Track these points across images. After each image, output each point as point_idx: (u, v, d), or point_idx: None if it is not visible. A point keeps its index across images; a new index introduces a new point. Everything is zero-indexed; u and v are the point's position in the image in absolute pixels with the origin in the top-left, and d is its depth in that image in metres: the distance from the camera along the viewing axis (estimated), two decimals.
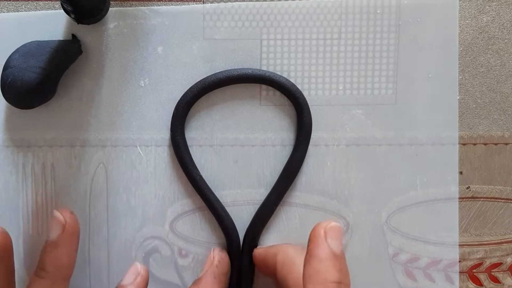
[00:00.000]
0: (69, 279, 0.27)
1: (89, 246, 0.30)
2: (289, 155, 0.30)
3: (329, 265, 0.22)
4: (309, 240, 0.23)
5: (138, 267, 0.28)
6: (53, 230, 0.27)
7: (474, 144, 0.30)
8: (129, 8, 0.30)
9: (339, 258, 0.22)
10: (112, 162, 0.30)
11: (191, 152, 0.30)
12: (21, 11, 0.30)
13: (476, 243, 0.31)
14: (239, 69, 0.29)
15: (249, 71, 0.29)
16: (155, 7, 0.30)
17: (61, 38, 0.29)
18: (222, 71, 0.29)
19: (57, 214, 0.27)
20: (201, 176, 0.29)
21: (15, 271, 0.28)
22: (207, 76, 0.29)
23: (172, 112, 0.29)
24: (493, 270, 0.31)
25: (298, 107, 0.29)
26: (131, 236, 0.30)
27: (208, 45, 0.30)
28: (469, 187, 0.30)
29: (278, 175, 0.30)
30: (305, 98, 0.29)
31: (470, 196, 0.30)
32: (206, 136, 0.30)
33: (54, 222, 0.27)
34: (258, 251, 0.29)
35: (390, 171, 0.30)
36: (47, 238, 0.27)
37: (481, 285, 0.31)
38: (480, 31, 0.30)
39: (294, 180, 0.29)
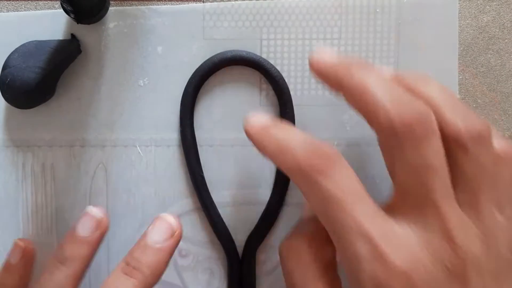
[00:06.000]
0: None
1: None
2: None
3: None
4: None
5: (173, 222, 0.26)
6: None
7: None
8: (128, 7, 0.30)
9: None
10: (111, 162, 0.30)
11: None
12: (20, 10, 0.30)
13: None
14: (240, 50, 0.29)
15: (252, 55, 0.29)
16: (155, 7, 0.29)
17: (60, 38, 0.29)
18: (225, 52, 0.29)
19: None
20: (202, 177, 0.29)
21: None
22: (209, 58, 0.29)
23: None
24: None
25: (282, 102, 0.29)
26: (131, 236, 0.30)
27: (208, 45, 0.30)
28: None
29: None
30: (290, 95, 0.29)
31: None
32: (206, 136, 0.30)
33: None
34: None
35: None
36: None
37: None
38: (480, 31, 0.30)
39: (290, 181, 0.29)
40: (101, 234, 0.27)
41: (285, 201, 0.30)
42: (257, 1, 0.29)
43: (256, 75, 0.30)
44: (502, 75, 0.30)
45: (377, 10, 0.29)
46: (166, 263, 0.25)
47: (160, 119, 0.30)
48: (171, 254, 0.25)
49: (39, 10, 0.30)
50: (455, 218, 0.20)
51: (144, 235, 0.25)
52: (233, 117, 0.30)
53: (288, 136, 0.22)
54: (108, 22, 0.30)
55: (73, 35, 0.29)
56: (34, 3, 0.30)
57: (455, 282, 0.19)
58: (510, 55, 0.30)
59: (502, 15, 0.30)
